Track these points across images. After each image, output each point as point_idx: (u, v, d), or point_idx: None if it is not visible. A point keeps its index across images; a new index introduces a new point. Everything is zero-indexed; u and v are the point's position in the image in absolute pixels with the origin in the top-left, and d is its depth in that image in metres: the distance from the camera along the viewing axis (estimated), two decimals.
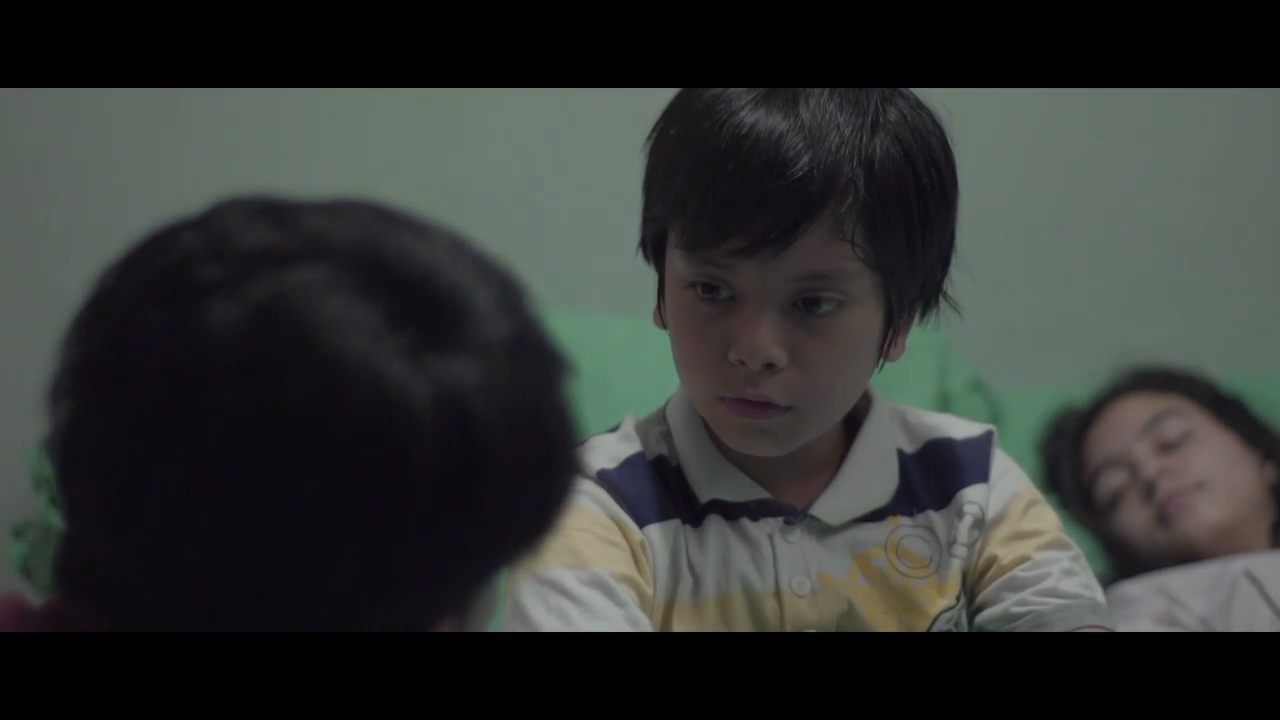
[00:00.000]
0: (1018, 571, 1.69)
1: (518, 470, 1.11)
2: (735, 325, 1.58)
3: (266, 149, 2.79)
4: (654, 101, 1.67)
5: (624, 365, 2.62)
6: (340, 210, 1.13)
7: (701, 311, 1.60)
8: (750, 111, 1.56)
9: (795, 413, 1.61)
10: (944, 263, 1.66)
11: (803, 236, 1.55)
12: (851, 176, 1.55)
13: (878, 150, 1.57)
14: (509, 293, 1.14)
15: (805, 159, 1.54)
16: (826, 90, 1.57)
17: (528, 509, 1.13)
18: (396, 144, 2.84)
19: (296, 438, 1.06)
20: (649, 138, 1.65)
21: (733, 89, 1.59)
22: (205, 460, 1.06)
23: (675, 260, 1.61)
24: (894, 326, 1.64)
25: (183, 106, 2.72)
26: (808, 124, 1.55)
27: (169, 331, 1.08)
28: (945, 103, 1.65)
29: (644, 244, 1.67)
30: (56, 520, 2.38)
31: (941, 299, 1.67)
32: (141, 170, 2.73)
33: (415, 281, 1.10)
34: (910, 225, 1.59)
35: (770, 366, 1.58)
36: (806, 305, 1.58)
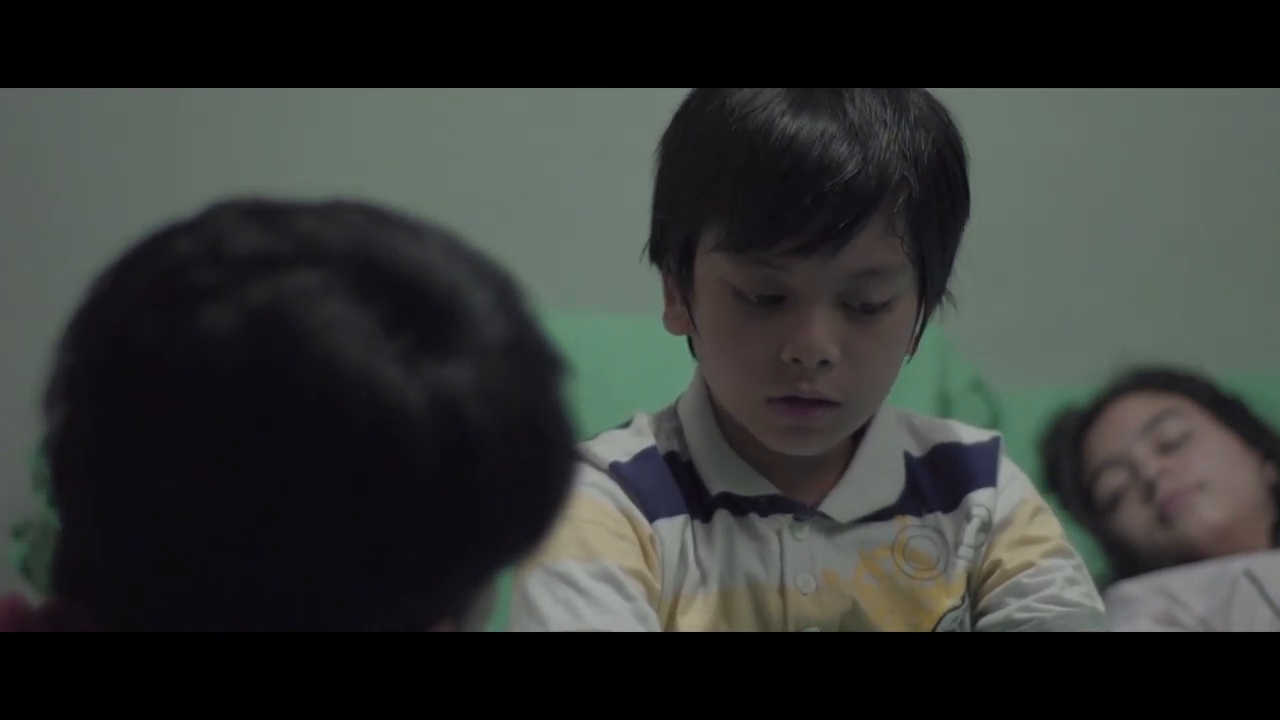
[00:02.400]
0: (1022, 577, 1.69)
1: (515, 472, 1.10)
2: (788, 325, 1.58)
3: (266, 149, 2.79)
4: (657, 101, 1.66)
5: (624, 365, 2.62)
6: (333, 212, 1.13)
7: (748, 312, 1.60)
8: (794, 115, 1.57)
9: (844, 408, 1.62)
10: (954, 257, 1.67)
11: (859, 234, 1.56)
12: (904, 173, 1.57)
13: (921, 145, 1.59)
14: (505, 293, 1.13)
15: (858, 157, 1.56)
16: (868, 90, 1.58)
17: (526, 510, 1.13)
18: (397, 144, 2.83)
19: (292, 442, 1.06)
20: (664, 142, 1.64)
21: (747, 89, 1.58)
22: (202, 464, 1.06)
23: (716, 263, 1.60)
24: (923, 320, 1.65)
25: (183, 106, 2.72)
26: (856, 123, 1.56)
27: (165, 336, 1.08)
28: (945, 103, 1.65)
29: (660, 250, 1.66)
30: (56, 520, 2.37)
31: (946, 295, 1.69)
32: (141, 170, 2.73)
33: (410, 284, 1.10)
34: (944, 218, 1.61)
35: (825, 364, 1.59)
36: (857, 302, 1.59)
